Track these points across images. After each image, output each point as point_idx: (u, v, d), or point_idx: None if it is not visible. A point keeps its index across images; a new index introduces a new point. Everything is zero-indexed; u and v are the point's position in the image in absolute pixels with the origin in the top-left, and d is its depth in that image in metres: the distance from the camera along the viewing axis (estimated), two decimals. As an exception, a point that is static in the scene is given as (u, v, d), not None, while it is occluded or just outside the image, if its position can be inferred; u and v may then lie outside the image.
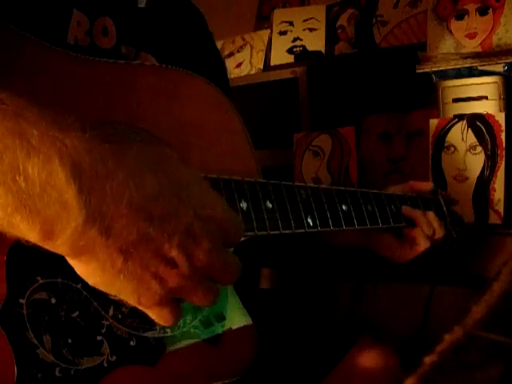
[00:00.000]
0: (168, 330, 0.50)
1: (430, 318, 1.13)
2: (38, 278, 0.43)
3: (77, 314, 0.44)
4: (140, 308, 0.42)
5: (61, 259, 0.39)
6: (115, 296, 0.40)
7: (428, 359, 0.30)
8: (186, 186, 0.42)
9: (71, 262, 0.39)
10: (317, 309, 1.27)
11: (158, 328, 0.50)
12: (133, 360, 0.47)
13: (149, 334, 0.49)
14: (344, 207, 0.66)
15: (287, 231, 0.58)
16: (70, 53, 0.50)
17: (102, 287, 0.39)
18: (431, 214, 0.80)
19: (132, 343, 0.47)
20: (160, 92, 0.56)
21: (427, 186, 0.87)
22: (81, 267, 0.39)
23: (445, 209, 0.86)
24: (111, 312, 0.48)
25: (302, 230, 0.60)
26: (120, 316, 0.48)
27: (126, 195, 0.38)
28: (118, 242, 0.37)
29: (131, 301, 0.40)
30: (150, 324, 0.49)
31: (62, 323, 0.44)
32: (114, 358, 0.46)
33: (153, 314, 0.42)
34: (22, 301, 0.42)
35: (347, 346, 0.73)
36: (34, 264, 0.42)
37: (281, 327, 0.77)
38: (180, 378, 0.49)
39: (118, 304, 0.48)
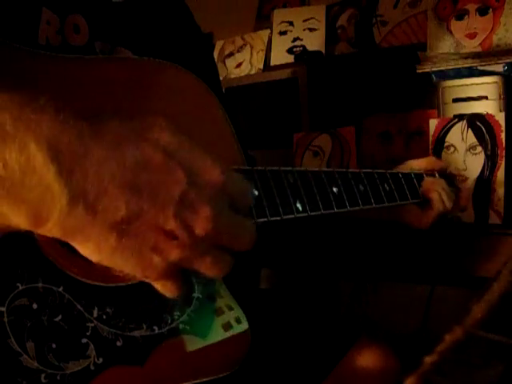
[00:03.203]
0: (155, 328, 0.49)
1: (430, 318, 1.13)
2: (18, 285, 0.42)
3: (60, 317, 0.43)
4: (147, 281, 0.41)
5: (40, 263, 0.39)
6: (122, 272, 0.40)
7: (428, 359, 0.30)
8: (174, 152, 0.40)
9: (72, 244, 0.38)
10: (317, 309, 1.27)
11: (144, 326, 0.49)
12: (120, 361, 0.46)
13: (136, 333, 0.48)
14: (334, 189, 0.65)
15: (276, 218, 0.56)
16: (39, 51, 0.49)
17: (106, 263, 0.39)
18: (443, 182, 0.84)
19: (119, 343, 0.46)
20: (136, 84, 0.55)
21: (441, 164, 0.90)
22: (80, 248, 0.38)
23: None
24: (95, 313, 0.46)
25: (292, 216, 0.58)
26: (105, 317, 0.47)
27: (107, 171, 0.37)
28: (107, 219, 0.37)
29: (137, 275, 0.40)
30: (137, 323, 0.48)
31: (45, 328, 0.43)
32: (101, 360, 0.45)
33: (159, 287, 0.42)
34: (2, 309, 0.41)
35: (346, 346, 0.73)
36: (13, 270, 0.41)
37: (280, 327, 0.77)
38: (169, 376, 0.49)
39: (103, 305, 0.47)
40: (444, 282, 1.10)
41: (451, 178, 0.90)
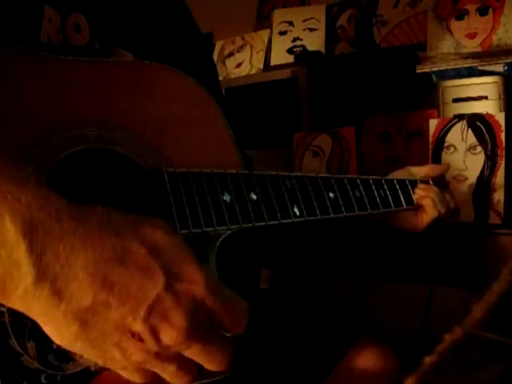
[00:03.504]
0: None
1: (430, 318, 1.13)
2: None
3: None
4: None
5: None
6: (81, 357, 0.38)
7: (428, 359, 0.30)
8: (160, 253, 0.38)
9: (36, 321, 0.37)
10: (316, 309, 1.27)
11: None
12: None
13: None
14: (331, 195, 0.65)
15: (273, 222, 0.57)
16: (39, 52, 0.49)
17: (66, 348, 0.37)
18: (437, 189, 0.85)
19: None
20: (135, 88, 0.54)
21: (442, 168, 0.92)
22: (42, 326, 0.37)
23: None
24: None
25: (289, 221, 0.59)
26: None
27: (80, 257, 0.35)
28: (71, 306, 0.35)
29: (98, 362, 0.38)
30: None
31: None
32: None
33: (124, 375, 0.40)
34: (2, 309, 0.41)
35: (346, 346, 0.73)
36: None
37: (280, 328, 0.77)
38: None
39: None
40: (444, 281, 1.10)
41: (444, 185, 0.91)
